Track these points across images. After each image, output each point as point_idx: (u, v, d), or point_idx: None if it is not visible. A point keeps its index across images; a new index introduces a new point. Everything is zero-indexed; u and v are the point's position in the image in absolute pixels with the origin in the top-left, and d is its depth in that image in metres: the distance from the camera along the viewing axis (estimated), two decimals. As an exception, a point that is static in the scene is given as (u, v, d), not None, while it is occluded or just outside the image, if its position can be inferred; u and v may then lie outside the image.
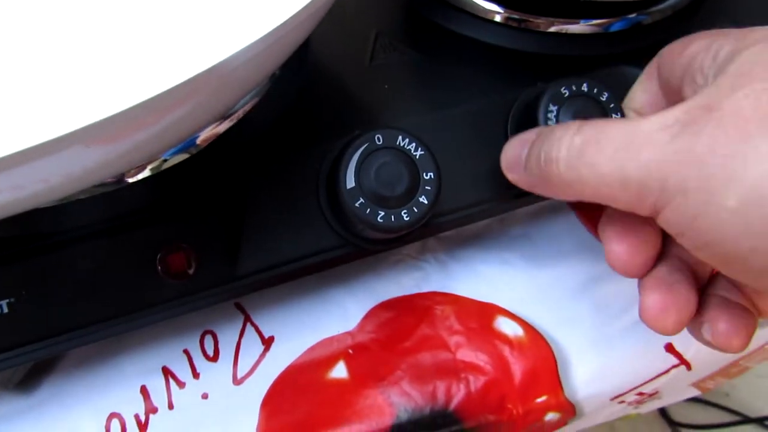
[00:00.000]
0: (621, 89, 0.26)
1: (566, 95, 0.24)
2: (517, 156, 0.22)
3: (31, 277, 0.21)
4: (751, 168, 0.15)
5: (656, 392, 0.33)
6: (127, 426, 0.24)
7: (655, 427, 0.98)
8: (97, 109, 0.13)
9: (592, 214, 0.31)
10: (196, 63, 0.14)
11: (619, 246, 0.21)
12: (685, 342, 0.28)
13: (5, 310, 0.21)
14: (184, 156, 0.23)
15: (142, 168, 0.22)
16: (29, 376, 0.25)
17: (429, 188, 0.22)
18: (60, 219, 0.22)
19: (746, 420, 0.92)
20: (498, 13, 0.28)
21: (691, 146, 0.16)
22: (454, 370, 0.26)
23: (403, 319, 0.27)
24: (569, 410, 0.27)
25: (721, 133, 0.15)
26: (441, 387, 0.26)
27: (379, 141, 0.23)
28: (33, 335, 0.21)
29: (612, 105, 0.24)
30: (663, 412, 0.97)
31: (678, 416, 0.97)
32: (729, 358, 0.34)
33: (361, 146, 0.22)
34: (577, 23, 0.28)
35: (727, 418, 0.94)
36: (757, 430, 0.94)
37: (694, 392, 0.41)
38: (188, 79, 0.14)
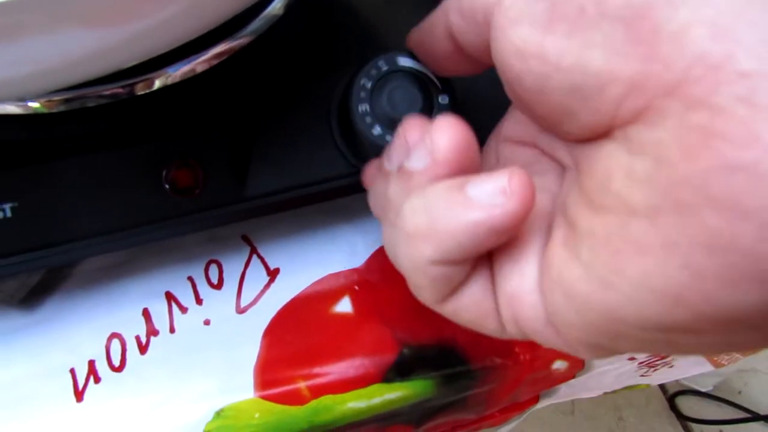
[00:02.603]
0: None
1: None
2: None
3: (36, 182, 0.21)
4: None
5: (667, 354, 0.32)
6: (128, 346, 0.24)
7: (663, 420, 0.96)
8: None
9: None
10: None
11: None
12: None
13: (8, 214, 0.21)
14: (196, 71, 0.22)
15: (152, 81, 0.22)
16: (32, 294, 0.25)
17: (444, 103, 0.21)
18: (68, 126, 0.21)
19: (756, 417, 0.90)
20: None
21: None
22: (462, 311, 0.25)
23: (412, 258, 0.27)
24: (578, 360, 0.27)
25: None
26: (448, 326, 0.25)
27: (393, 64, 0.22)
28: (35, 243, 0.21)
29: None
30: (672, 406, 0.96)
31: (688, 411, 0.95)
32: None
33: (373, 69, 0.22)
34: None
35: (738, 415, 0.92)
36: (766, 428, 0.92)
37: (708, 366, 0.40)
38: None
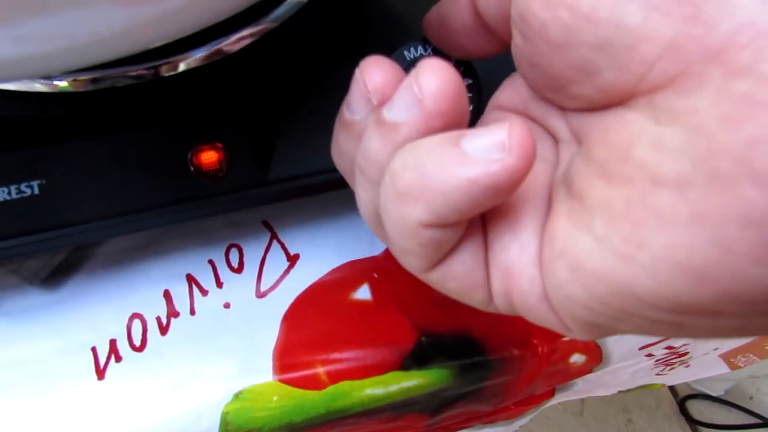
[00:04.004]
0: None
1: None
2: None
3: (63, 160, 0.21)
4: None
5: (686, 353, 0.32)
6: (149, 327, 0.24)
7: (673, 423, 0.96)
8: None
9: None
10: None
11: None
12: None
13: (36, 191, 0.21)
14: (222, 54, 0.22)
15: (178, 63, 0.22)
16: (54, 274, 0.25)
17: (470, 95, 0.21)
18: (94, 105, 0.22)
19: (766, 423, 0.89)
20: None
21: None
22: (481, 301, 0.25)
23: (432, 248, 0.27)
24: (596, 353, 0.27)
25: None
26: (466, 316, 0.25)
27: (417, 51, 0.22)
28: (62, 220, 0.21)
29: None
30: (683, 410, 0.95)
31: (698, 415, 0.95)
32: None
33: (399, 57, 0.22)
34: None
35: (749, 420, 0.92)
36: (776, 434, 0.92)
37: (724, 367, 0.40)
38: None
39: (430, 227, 0.13)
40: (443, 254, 0.14)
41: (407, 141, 0.14)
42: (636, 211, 0.11)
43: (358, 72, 0.15)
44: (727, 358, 0.39)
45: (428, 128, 0.13)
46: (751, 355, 0.40)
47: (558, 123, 0.15)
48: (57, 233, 0.21)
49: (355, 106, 0.16)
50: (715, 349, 0.34)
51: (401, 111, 0.14)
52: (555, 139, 0.15)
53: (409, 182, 0.13)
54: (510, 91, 0.17)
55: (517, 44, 0.14)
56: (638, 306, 0.12)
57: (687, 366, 0.36)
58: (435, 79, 0.13)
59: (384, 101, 0.14)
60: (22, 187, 0.21)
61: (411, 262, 0.15)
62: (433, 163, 0.13)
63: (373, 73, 0.15)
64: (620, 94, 0.12)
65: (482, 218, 0.15)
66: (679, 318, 0.12)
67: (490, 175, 0.12)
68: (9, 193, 0.21)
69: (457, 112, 0.14)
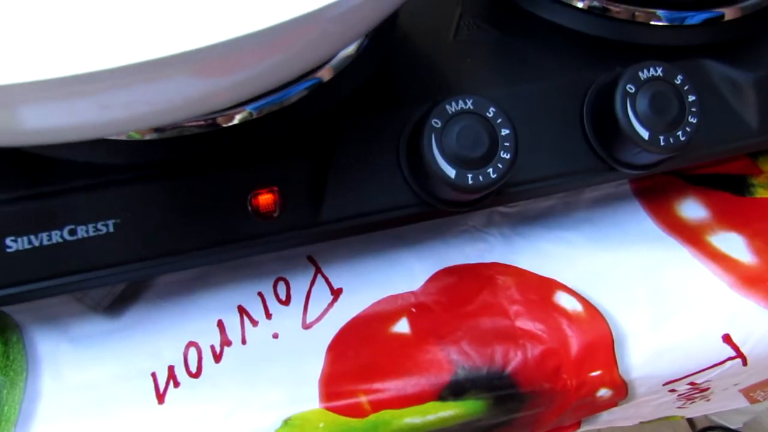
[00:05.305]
0: (696, 78, 0.27)
1: (643, 78, 0.25)
2: None
3: (137, 202, 0.23)
4: None
5: (708, 388, 0.33)
6: (203, 354, 0.26)
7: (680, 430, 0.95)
8: (212, 36, 0.15)
9: (657, 205, 0.32)
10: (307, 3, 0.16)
11: None
12: (743, 334, 0.29)
13: (111, 229, 0.23)
14: (276, 106, 0.25)
15: (238, 114, 0.24)
16: (117, 303, 0.27)
17: (507, 144, 0.23)
18: (165, 152, 0.24)
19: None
20: (580, 0, 0.29)
21: None
22: (513, 336, 0.27)
23: (466, 284, 0.29)
24: (622, 389, 0.28)
25: None
26: (499, 350, 0.27)
27: (458, 105, 0.24)
28: (134, 255, 0.23)
29: (686, 87, 0.25)
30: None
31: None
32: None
33: (442, 110, 0.24)
34: (655, 14, 0.29)
35: None
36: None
37: (743, 401, 0.41)
38: (299, 16, 0.16)
39: None
40: None
41: None
42: None
43: None
44: (747, 392, 0.40)
45: None
46: (771, 391, 0.41)
47: None
48: (128, 267, 0.23)
49: None
50: (735, 385, 0.35)
51: None
52: None
53: None
54: None
55: None
56: None
57: (708, 400, 0.37)
58: None
59: None
60: (99, 225, 0.23)
61: None
62: None
63: None
64: None
65: None
66: None
67: None
68: (87, 231, 0.23)
69: None
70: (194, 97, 0.18)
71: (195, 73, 0.16)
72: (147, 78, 0.15)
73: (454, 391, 0.26)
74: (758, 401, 0.42)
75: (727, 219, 0.32)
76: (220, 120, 0.24)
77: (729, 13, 0.29)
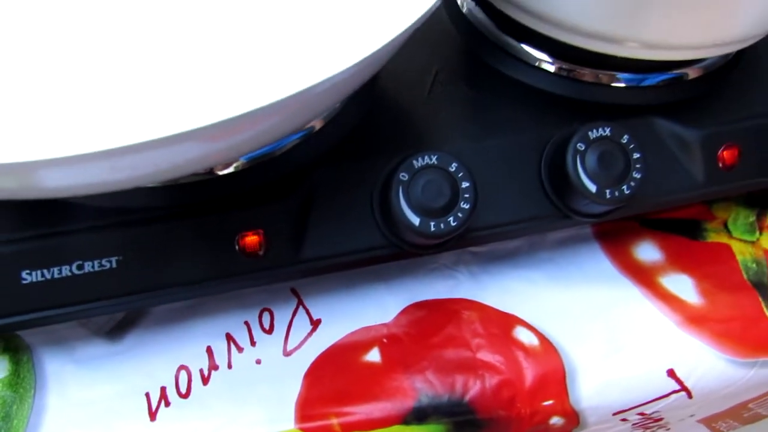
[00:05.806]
0: (645, 136, 0.30)
1: (592, 137, 0.28)
2: None
3: (137, 241, 0.26)
4: None
5: (661, 419, 0.35)
6: (193, 377, 0.29)
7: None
8: (223, 112, 0.18)
9: (614, 247, 0.35)
10: (293, 83, 0.19)
11: None
12: (687, 370, 0.31)
13: (114, 265, 0.26)
14: (266, 158, 0.28)
15: (230, 165, 0.27)
16: (117, 328, 0.30)
17: (467, 195, 0.26)
18: (163, 198, 0.27)
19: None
20: (547, 62, 0.32)
21: None
22: (473, 367, 0.30)
23: (434, 318, 0.31)
24: (573, 417, 0.31)
25: None
26: (460, 380, 0.29)
27: (425, 161, 0.27)
28: (134, 288, 0.26)
29: (632, 146, 0.28)
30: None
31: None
32: (734, 397, 0.36)
33: (409, 164, 0.27)
34: (615, 76, 0.32)
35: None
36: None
37: (705, 431, 0.43)
38: (290, 95, 0.19)
39: None
40: None
41: None
42: None
43: None
44: (708, 423, 0.42)
45: None
46: (731, 421, 0.43)
47: None
48: (128, 298, 0.26)
49: None
50: (691, 416, 0.38)
51: None
52: None
53: None
54: None
55: None
56: None
57: (667, 429, 0.40)
58: None
59: None
60: (104, 261, 0.26)
61: None
62: None
63: None
64: None
65: None
66: None
67: None
68: (93, 266, 0.26)
69: None
70: (197, 159, 0.21)
71: (205, 142, 0.19)
72: (162, 148, 0.18)
73: (417, 416, 0.29)
74: (721, 431, 0.44)
75: (679, 261, 0.35)
76: (212, 170, 0.27)
77: (691, 72, 0.32)
